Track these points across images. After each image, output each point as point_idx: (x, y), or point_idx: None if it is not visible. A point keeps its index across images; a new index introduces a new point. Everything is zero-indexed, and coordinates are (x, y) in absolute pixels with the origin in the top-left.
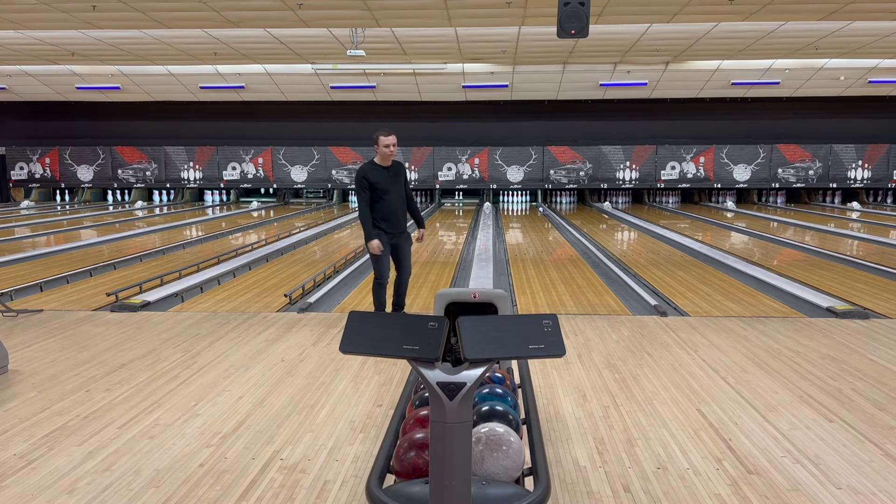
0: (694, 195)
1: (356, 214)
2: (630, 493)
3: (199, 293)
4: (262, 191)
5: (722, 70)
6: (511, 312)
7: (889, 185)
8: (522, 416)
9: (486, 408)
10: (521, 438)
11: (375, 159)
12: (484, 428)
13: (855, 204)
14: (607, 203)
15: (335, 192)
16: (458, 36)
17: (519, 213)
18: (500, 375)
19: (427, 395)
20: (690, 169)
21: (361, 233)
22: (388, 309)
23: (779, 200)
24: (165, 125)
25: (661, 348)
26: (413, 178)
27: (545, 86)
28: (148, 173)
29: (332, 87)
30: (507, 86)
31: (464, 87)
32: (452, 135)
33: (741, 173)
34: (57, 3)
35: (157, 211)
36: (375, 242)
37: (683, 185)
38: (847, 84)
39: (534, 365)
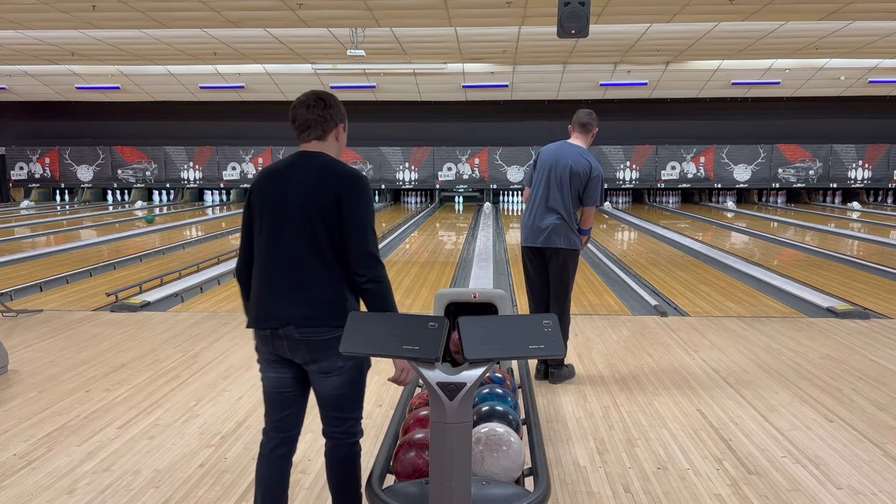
0: (694, 195)
1: None
2: (630, 493)
3: (199, 293)
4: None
5: (722, 70)
6: (511, 312)
7: (889, 185)
8: (522, 416)
9: (486, 408)
10: (521, 438)
11: None
12: (484, 428)
13: (855, 204)
14: (607, 203)
15: None
16: (458, 36)
17: (519, 213)
18: (500, 375)
19: (426, 394)
20: (691, 169)
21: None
22: None
23: (779, 200)
24: (165, 125)
25: (662, 348)
26: (413, 178)
27: (545, 86)
28: (148, 173)
29: (332, 87)
30: (507, 86)
31: (464, 87)
32: (452, 135)
33: (741, 173)
34: (57, 3)
35: (156, 211)
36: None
37: (684, 185)
38: (847, 84)
39: (534, 365)
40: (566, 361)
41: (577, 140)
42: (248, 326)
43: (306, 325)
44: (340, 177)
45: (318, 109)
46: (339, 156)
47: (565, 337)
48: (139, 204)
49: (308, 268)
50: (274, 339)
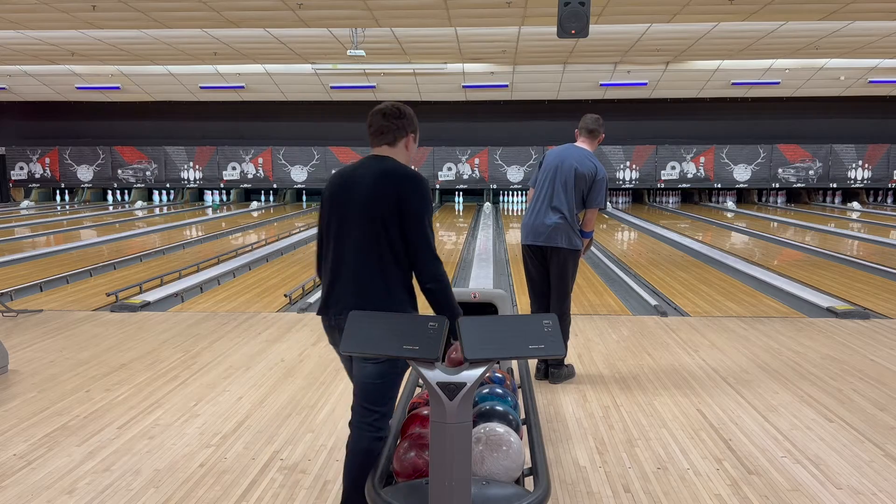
0: (694, 195)
1: None
2: (630, 493)
3: (199, 293)
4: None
5: (722, 70)
6: (511, 312)
7: (889, 185)
8: (522, 416)
9: (486, 408)
10: (521, 438)
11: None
12: (484, 428)
13: (855, 204)
14: (607, 203)
15: None
16: (458, 36)
17: (519, 213)
18: (500, 375)
19: (426, 394)
20: (690, 169)
21: None
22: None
23: (779, 200)
24: (165, 125)
25: (662, 348)
26: None
27: (545, 86)
28: (148, 173)
29: (332, 87)
30: (507, 86)
31: (464, 87)
32: (452, 135)
33: (741, 173)
34: (57, 3)
35: (157, 211)
36: None
37: (683, 185)
38: (847, 84)
39: (534, 365)
40: (566, 362)
41: (583, 144)
42: (317, 314)
43: None
44: (402, 178)
45: (392, 118)
46: (407, 164)
47: (566, 337)
48: (139, 204)
49: (363, 265)
50: (329, 328)
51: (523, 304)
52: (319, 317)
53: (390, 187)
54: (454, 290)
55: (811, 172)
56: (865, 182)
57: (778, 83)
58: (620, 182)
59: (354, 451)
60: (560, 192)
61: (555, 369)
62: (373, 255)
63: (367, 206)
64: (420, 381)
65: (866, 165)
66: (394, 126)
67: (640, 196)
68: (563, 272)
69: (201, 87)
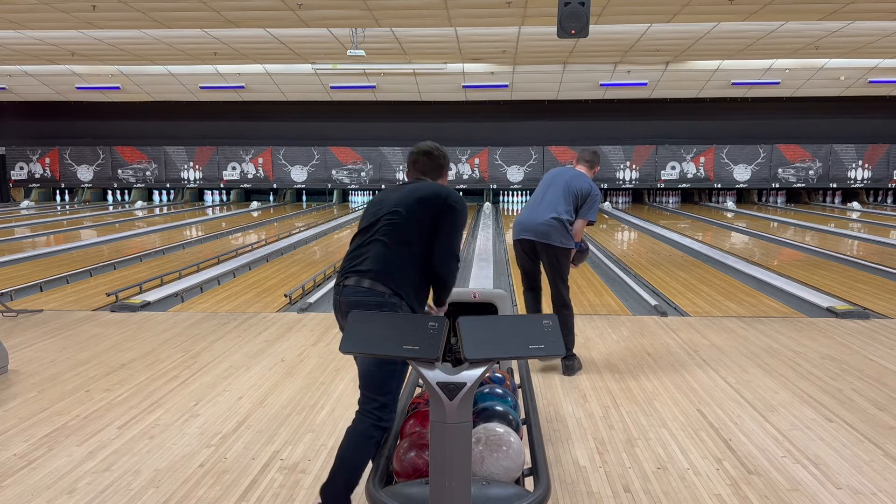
0: (694, 195)
1: (356, 215)
2: (630, 493)
3: (199, 293)
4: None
5: (722, 70)
6: (511, 312)
7: (889, 185)
8: (522, 416)
9: (486, 408)
10: (521, 438)
11: None
12: (484, 428)
13: (855, 204)
14: (607, 203)
15: (335, 192)
16: (458, 36)
17: (518, 214)
18: (500, 375)
19: (426, 393)
20: (690, 169)
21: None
22: None
23: (779, 200)
24: (165, 125)
25: (662, 348)
26: None
27: (545, 86)
28: (148, 173)
29: (332, 87)
30: (507, 86)
31: (464, 87)
32: (452, 135)
33: (741, 173)
34: (57, 3)
35: (157, 211)
36: None
37: (683, 185)
38: (847, 84)
39: (534, 365)
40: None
41: (580, 169)
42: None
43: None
44: (444, 191)
45: (436, 157)
46: None
47: (571, 329)
48: (139, 204)
49: (385, 252)
50: (337, 310)
51: (523, 305)
52: (319, 317)
53: (433, 195)
54: (455, 289)
55: (811, 172)
56: (865, 182)
57: (778, 83)
58: (620, 182)
59: (350, 433)
60: (558, 197)
61: (568, 361)
62: (394, 247)
63: (410, 206)
64: (420, 380)
65: (866, 165)
66: (436, 164)
67: (640, 196)
68: (555, 265)
69: (201, 87)
